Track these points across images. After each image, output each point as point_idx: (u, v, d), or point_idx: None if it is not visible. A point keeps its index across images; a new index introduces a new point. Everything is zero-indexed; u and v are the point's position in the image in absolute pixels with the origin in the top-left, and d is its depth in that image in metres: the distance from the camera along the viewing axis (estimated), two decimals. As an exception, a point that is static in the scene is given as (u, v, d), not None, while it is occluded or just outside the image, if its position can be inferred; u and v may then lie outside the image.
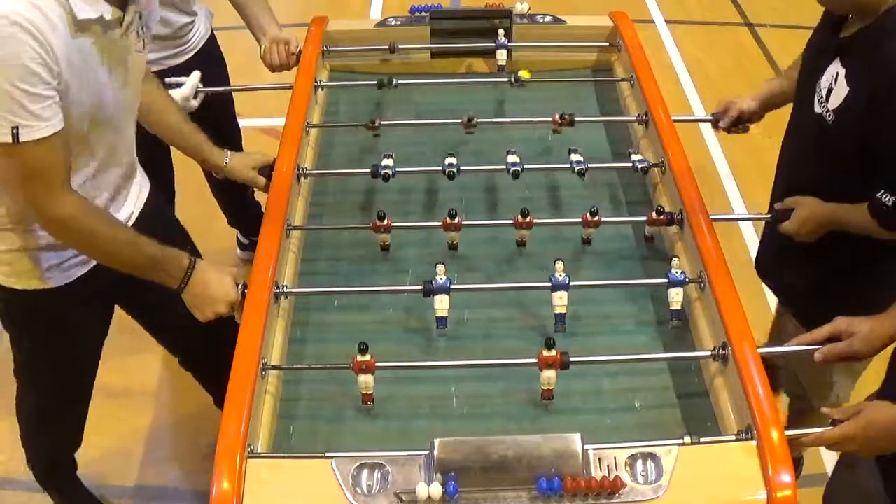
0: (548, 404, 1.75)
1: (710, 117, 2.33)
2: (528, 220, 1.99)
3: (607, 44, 2.67)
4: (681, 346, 1.87)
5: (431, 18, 2.65)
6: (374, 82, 2.45)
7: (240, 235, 3.42)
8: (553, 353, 1.68)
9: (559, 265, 1.85)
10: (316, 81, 2.47)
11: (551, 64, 2.64)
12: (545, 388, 1.72)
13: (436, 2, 2.68)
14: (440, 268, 1.84)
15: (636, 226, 2.15)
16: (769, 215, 2.05)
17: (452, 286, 1.84)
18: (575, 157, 2.16)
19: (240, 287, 1.84)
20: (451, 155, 2.15)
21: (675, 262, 1.88)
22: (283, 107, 2.34)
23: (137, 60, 1.81)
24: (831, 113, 1.78)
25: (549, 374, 1.70)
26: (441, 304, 1.84)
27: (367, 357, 1.68)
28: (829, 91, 1.79)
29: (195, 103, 2.40)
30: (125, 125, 1.84)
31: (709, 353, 1.75)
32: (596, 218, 2.00)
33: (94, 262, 1.90)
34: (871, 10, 1.73)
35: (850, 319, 1.70)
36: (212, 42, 2.68)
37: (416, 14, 2.67)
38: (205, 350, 2.33)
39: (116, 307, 2.13)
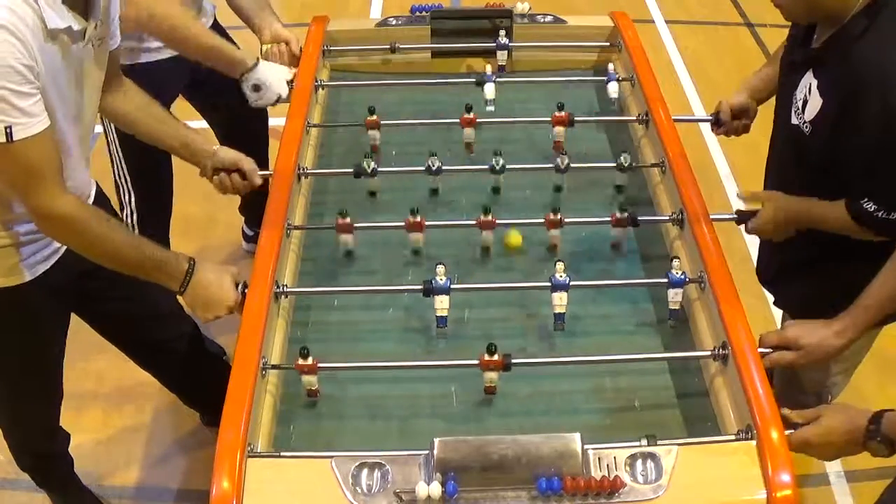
0: (548, 404, 1.75)
1: (710, 118, 2.32)
2: (491, 219, 2.00)
3: (607, 44, 2.67)
4: (681, 346, 1.87)
5: (432, 18, 2.65)
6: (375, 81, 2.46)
7: (245, 227, 3.42)
8: (495, 357, 1.69)
9: (559, 266, 1.85)
10: (316, 81, 2.47)
11: (551, 64, 2.65)
12: (488, 384, 1.73)
13: (436, 1, 2.68)
14: (440, 268, 1.84)
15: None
16: (734, 216, 2.03)
17: (452, 286, 1.84)
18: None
19: (240, 287, 1.84)
20: (434, 155, 2.16)
21: (675, 262, 1.88)
22: (283, 107, 2.34)
23: (95, 72, 1.81)
24: (808, 124, 1.78)
25: (492, 375, 1.72)
26: (441, 303, 1.84)
27: (310, 360, 1.69)
28: (805, 103, 1.79)
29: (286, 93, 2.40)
30: (79, 135, 1.83)
31: (709, 353, 1.75)
32: (559, 217, 2.01)
33: (55, 258, 1.90)
34: (837, 19, 1.73)
35: (799, 330, 1.71)
36: (216, 29, 2.68)
37: (417, 14, 2.68)
38: (180, 365, 2.36)
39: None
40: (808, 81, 1.79)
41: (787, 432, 1.56)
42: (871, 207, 1.73)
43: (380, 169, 2.15)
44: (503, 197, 2.23)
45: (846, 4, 1.70)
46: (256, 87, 2.36)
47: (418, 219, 2.00)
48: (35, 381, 2.12)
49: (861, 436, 1.50)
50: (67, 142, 1.77)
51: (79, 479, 2.52)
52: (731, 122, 2.26)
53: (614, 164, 2.20)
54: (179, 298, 1.88)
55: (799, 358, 1.70)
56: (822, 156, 1.78)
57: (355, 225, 2.02)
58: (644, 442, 1.54)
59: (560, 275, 1.84)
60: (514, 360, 1.70)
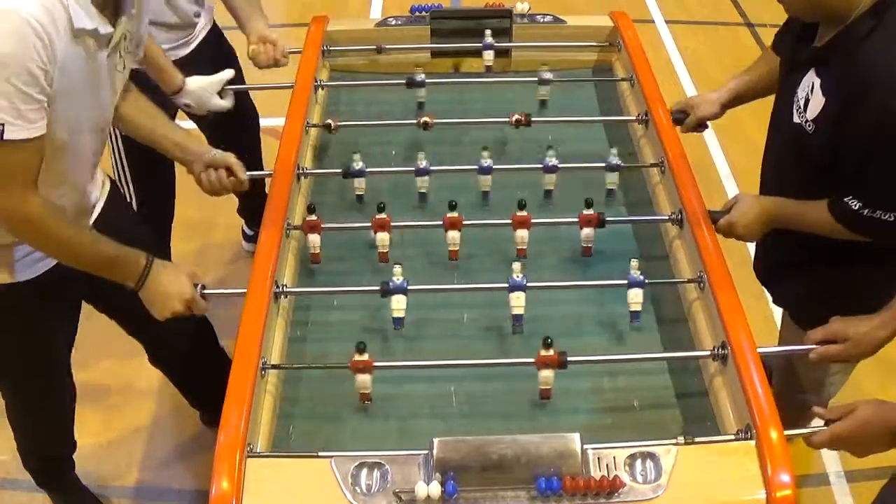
0: (547, 403, 1.75)
1: (672, 116, 2.30)
2: (458, 219, 1.98)
3: (607, 44, 2.67)
4: (680, 346, 1.87)
5: (431, 18, 2.65)
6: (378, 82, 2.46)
7: (245, 227, 3.43)
8: (551, 352, 1.68)
9: (516, 266, 1.84)
10: (316, 81, 2.47)
11: (551, 64, 2.64)
12: (543, 387, 1.72)
13: (436, 2, 2.69)
14: (397, 268, 1.84)
15: (635, 226, 2.15)
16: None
17: (409, 286, 1.84)
18: (550, 155, 2.17)
19: (198, 287, 1.85)
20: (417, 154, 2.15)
21: (633, 262, 1.88)
22: (283, 107, 2.35)
23: (118, 81, 1.83)
24: (811, 123, 1.78)
25: (547, 374, 1.70)
26: (398, 304, 1.84)
27: (365, 356, 1.68)
28: (807, 101, 1.79)
29: (223, 102, 2.42)
30: (95, 136, 1.85)
31: (708, 352, 1.75)
32: (525, 214, 1.99)
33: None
34: (841, 18, 1.72)
35: (845, 322, 1.71)
36: (215, 32, 2.69)
37: (417, 14, 2.68)
38: (187, 360, 2.36)
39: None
40: (811, 80, 1.79)
41: (821, 427, 1.57)
42: (855, 205, 1.73)
43: (433, 168, 2.16)
44: (500, 196, 2.22)
45: (850, 4, 1.70)
46: (187, 105, 2.42)
47: (384, 216, 1.99)
48: (41, 382, 2.12)
49: (893, 428, 1.50)
50: (80, 146, 1.78)
51: (79, 479, 2.52)
52: (691, 125, 2.27)
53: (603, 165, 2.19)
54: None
55: (848, 348, 1.70)
56: (824, 154, 1.78)
57: (323, 225, 2.01)
58: (680, 440, 1.54)
59: (517, 276, 1.83)
60: (570, 358, 1.69)
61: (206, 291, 1.86)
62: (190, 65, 2.48)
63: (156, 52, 2.34)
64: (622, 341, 1.89)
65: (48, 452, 2.37)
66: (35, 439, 2.30)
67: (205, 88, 2.40)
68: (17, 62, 1.51)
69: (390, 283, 1.83)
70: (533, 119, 2.38)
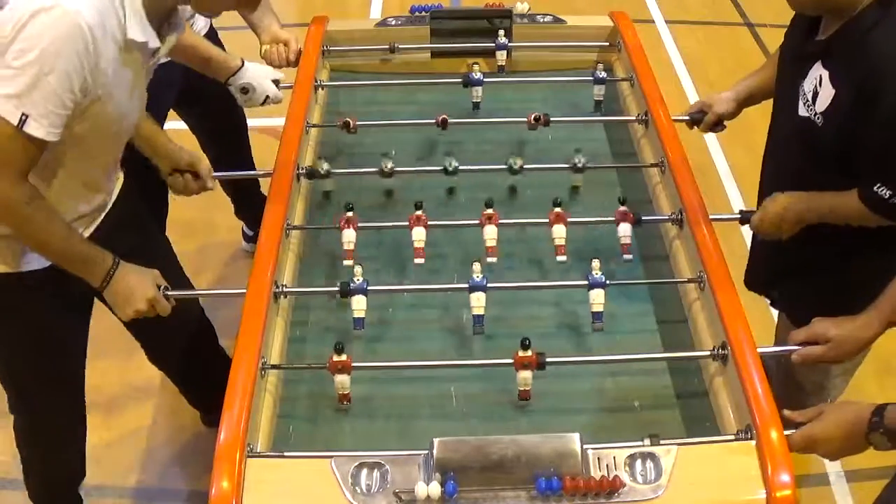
0: (548, 404, 1.75)
1: (686, 118, 2.31)
2: (492, 217, 1.99)
3: (607, 44, 2.67)
4: (681, 346, 1.87)
5: (431, 18, 2.65)
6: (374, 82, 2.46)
7: (245, 227, 3.43)
8: (529, 353, 1.68)
9: (476, 266, 1.85)
10: (316, 81, 2.47)
11: (551, 64, 2.65)
12: (522, 388, 1.72)
13: (436, 2, 2.68)
14: (357, 269, 1.85)
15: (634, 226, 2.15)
16: (738, 215, 2.03)
17: (369, 287, 1.84)
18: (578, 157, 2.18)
19: (161, 288, 1.86)
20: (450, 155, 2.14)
21: (594, 263, 1.88)
22: (283, 107, 2.35)
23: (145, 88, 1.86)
24: (820, 116, 1.78)
25: (526, 375, 1.70)
26: (358, 304, 1.83)
27: (343, 357, 1.68)
28: (815, 94, 1.79)
29: (280, 93, 2.43)
30: (123, 139, 1.88)
31: (708, 353, 1.75)
32: (560, 212, 1.99)
33: None
34: (847, 10, 1.73)
35: (827, 323, 1.71)
36: (213, 34, 2.69)
37: (417, 14, 2.68)
38: (187, 360, 2.37)
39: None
40: (818, 73, 1.79)
41: (790, 432, 1.55)
42: (885, 194, 1.72)
43: (398, 169, 2.16)
44: (506, 196, 2.23)
45: None
46: (244, 90, 2.39)
47: (420, 214, 1.99)
48: (59, 391, 2.10)
49: (864, 427, 1.49)
50: (111, 148, 1.80)
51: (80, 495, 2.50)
52: (710, 123, 2.27)
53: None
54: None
55: (829, 350, 1.69)
56: (835, 146, 1.77)
57: (359, 224, 2.01)
58: (647, 442, 1.54)
59: (477, 276, 1.83)
60: (548, 360, 1.69)
61: (168, 293, 1.87)
62: (179, 70, 2.47)
63: (205, 44, 2.33)
64: (623, 341, 1.89)
65: (56, 485, 2.33)
66: (44, 466, 2.26)
67: (260, 72, 2.38)
68: (62, 65, 1.53)
69: (350, 284, 1.83)
70: (509, 120, 2.37)
